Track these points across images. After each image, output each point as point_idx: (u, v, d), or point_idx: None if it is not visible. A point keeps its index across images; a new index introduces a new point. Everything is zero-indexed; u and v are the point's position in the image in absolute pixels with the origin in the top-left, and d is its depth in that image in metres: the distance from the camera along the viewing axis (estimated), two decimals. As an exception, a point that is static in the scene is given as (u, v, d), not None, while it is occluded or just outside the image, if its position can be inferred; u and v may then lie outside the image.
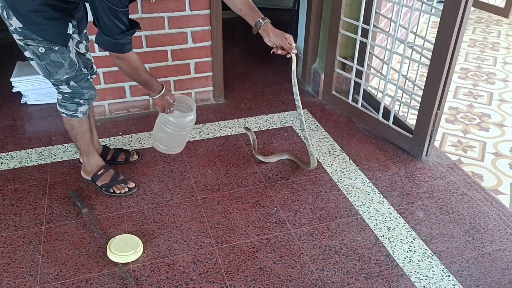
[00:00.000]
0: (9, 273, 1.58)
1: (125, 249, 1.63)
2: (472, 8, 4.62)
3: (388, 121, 2.32)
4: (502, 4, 4.67)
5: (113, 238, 1.68)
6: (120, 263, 1.61)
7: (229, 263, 1.63)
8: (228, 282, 1.56)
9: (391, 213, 1.88)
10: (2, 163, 2.14)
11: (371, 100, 2.61)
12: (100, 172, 1.95)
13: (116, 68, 2.39)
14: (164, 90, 1.75)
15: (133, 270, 1.60)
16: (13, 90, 2.65)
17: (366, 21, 2.30)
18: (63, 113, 1.82)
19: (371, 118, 2.43)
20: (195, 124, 1.93)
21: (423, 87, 2.11)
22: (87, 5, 1.66)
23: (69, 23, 1.61)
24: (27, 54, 1.65)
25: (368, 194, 1.99)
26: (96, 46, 2.28)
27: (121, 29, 1.49)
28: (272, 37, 1.63)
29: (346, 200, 1.95)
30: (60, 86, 1.74)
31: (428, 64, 2.04)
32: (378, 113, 2.39)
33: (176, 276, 1.58)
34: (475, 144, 2.52)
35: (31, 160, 2.16)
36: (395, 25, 2.18)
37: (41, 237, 1.73)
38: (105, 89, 2.46)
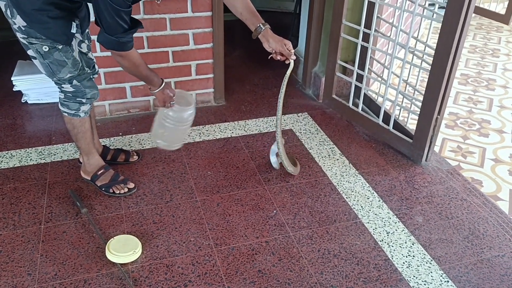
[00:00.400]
0: (7, 272, 1.58)
1: (124, 250, 1.63)
2: (473, 15, 4.63)
3: (388, 125, 2.33)
4: (502, 11, 4.69)
5: (112, 239, 1.68)
6: (119, 263, 1.61)
7: (228, 265, 1.63)
8: (227, 284, 1.56)
9: (390, 218, 1.88)
10: (1, 161, 2.14)
11: (372, 105, 2.62)
12: (100, 172, 1.95)
13: (117, 69, 2.41)
14: (164, 83, 1.79)
15: (131, 270, 1.60)
16: (13, 89, 2.65)
17: (368, 25, 2.31)
18: (65, 112, 1.82)
19: (371, 122, 2.43)
20: (195, 125, 1.93)
21: (423, 92, 2.12)
22: (90, 4, 1.67)
23: (73, 22, 1.61)
24: (30, 52, 1.65)
25: (368, 198, 1.99)
26: (97, 45, 2.28)
27: (124, 28, 1.50)
28: (272, 43, 1.65)
29: (345, 204, 1.95)
30: (62, 85, 1.74)
31: (429, 69, 2.05)
32: (378, 117, 2.39)
33: (175, 278, 1.58)
34: (474, 150, 2.52)
35: (31, 159, 2.16)
36: (396, 30, 2.19)
37: (40, 237, 1.73)
38: (106, 89, 2.46)
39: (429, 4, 2.56)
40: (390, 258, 1.68)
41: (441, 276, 1.62)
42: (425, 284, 1.58)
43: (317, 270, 1.62)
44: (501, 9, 4.79)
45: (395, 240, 1.77)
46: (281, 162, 2.01)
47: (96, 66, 1.93)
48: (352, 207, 1.93)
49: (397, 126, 2.33)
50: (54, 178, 2.04)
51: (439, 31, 1.94)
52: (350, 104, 2.55)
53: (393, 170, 2.18)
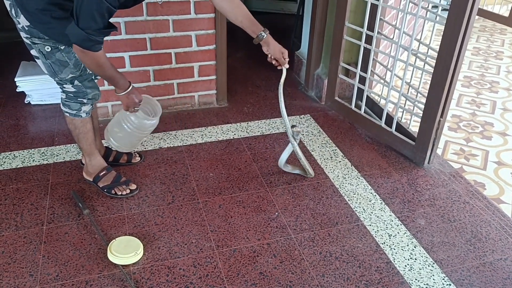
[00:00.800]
0: (9, 272, 1.58)
1: (125, 251, 1.63)
2: (477, 17, 4.62)
3: (391, 128, 2.32)
4: (506, 13, 4.68)
5: (114, 240, 1.68)
6: (120, 265, 1.61)
7: (229, 267, 1.63)
8: (228, 286, 1.56)
9: (392, 220, 1.88)
10: (4, 162, 2.15)
11: (374, 107, 2.61)
12: (102, 173, 1.95)
13: (120, 70, 2.40)
14: (131, 87, 1.73)
15: (133, 272, 1.60)
16: (17, 90, 2.66)
17: (370, 27, 2.31)
18: (67, 112, 1.82)
19: (373, 125, 2.43)
20: (198, 127, 1.93)
21: (426, 95, 2.11)
22: None
23: (75, 23, 1.61)
24: (33, 52, 1.65)
25: (370, 201, 1.98)
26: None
27: (99, 26, 1.44)
28: (271, 48, 1.76)
29: (347, 206, 1.94)
30: (64, 85, 1.74)
31: (432, 71, 2.04)
32: (381, 119, 2.39)
33: (176, 279, 1.58)
34: (477, 152, 2.51)
35: (33, 160, 2.17)
36: (399, 32, 2.18)
37: (42, 237, 1.73)
38: (108, 91, 2.45)
39: (432, 7, 2.55)
40: (392, 261, 1.68)
41: (443, 279, 1.61)
42: (427, 287, 1.58)
43: (318, 273, 1.62)
44: (504, 11, 4.78)
45: (397, 243, 1.76)
46: (303, 165, 2.04)
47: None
48: (354, 209, 1.93)
49: (400, 128, 2.33)
50: (56, 179, 2.05)
51: (442, 33, 1.94)
52: (353, 106, 2.55)
53: (395, 172, 2.18)
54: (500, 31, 4.47)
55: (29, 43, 1.62)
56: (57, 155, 2.21)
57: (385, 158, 2.29)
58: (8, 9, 1.57)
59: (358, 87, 2.48)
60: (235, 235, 1.77)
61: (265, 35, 1.73)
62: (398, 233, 1.81)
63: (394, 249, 1.73)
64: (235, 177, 2.11)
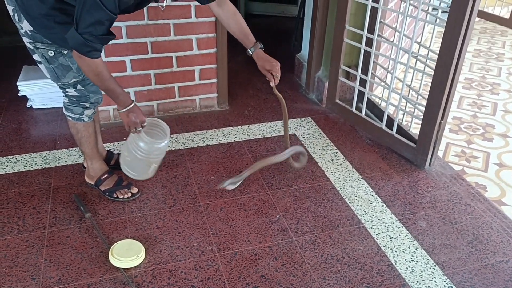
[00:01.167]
0: (11, 276, 1.59)
1: (127, 255, 1.63)
2: (477, 19, 4.63)
3: (392, 130, 2.33)
4: (507, 15, 4.68)
5: (116, 243, 1.69)
6: (122, 268, 1.61)
7: (230, 270, 1.63)
8: (230, 289, 1.56)
9: (393, 223, 1.88)
10: (7, 166, 2.15)
11: (375, 109, 2.62)
12: (103, 177, 1.96)
13: (121, 74, 2.42)
14: (131, 105, 1.66)
15: (135, 275, 1.60)
16: (19, 94, 2.67)
17: (371, 30, 2.32)
18: (69, 116, 1.83)
19: (374, 127, 2.43)
20: (199, 130, 1.93)
21: (427, 97, 2.12)
22: None
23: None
24: (35, 57, 1.67)
25: (371, 203, 1.98)
26: (102, 51, 2.30)
27: (98, 32, 1.43)
28: (258, 64, 1.76)
29: (348, 209, 1.95)
30: (67, 90, 1.75)
31: (432, 74, 2.05)
32: (381, 122, 2.39)
33: (178, 283, 1.58)
34: (478, 154, 2.51)
35: (35, 164, 2.18)
36: (399, 35, 2.19)
37: (44, 241, 1.74)
38: (110, 94, 2.47)
39: (432, 9, 2.56)
40: (394, 263, 1.68)
41: (445, 281, 1.61)
42: (428, 290, 1.58)
43: (320, 275, 1.62)
44: (505, 13, 4.78)
45: (399, 245, 1.76)
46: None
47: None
48: (355, 212, 1.93)
49: (401, 130, 2.33)
50: (58, 182, 2.05)
51: (442, 35, 1.94)
52: (354, 109, 2.55)
53: (396, 175, 2.18)
54: (501, 33, 4.47)
55: (32, 48, 1.63)
56: (59, 159, 2.22)
57: (386, 160, 2.29)
58: (11, 14, 1.58)
59: (358, 90, 2.49)
60: (236, 238, 1.78)
61: (252, 52, 1.73)
62: (399, 235, 1.81)
63: (396, 251, 1.73)
64: (236, 180, 2.11)
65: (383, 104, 2.55)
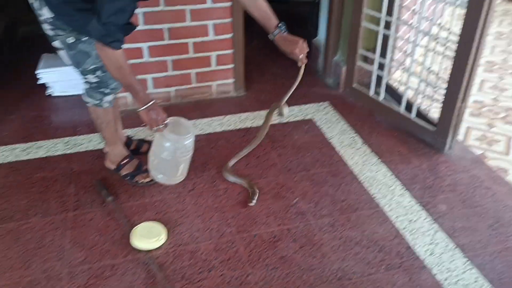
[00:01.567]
0: (38, 257, 1.64)
1: (148, 237, 1.67)
2: (499, 0, 4.50)
3: (411, 114, 2.30)
4: (529, -4, 4.54)
5: (137, 226, 1.72)
6: (144, 249, 1.65)
7: (250, 251, 1.65)
8: (250, 270, 1.58)
9: (412, 206, 1.87)
10: (30, 152, 2.21)
11: (393, 93, 2.58)
12: (124, 162, 1.99)
13: (138, 60, 2.44)
14: (151, 103, 1.64)
15: (156, 256, 1.64)
16: (38, 82, 2.70)
17: (389, 13, 2.28)
18: (89, 102, 1.86)
19: (393, 111, 2.41)
20: (216, 116, 1.93)
21: (447, 80, 2.08)
22: None
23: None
24: (56, 44, 1.69)
25: (390, 187, 1.97)
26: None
27: (119, 22, 1.46)
28: (284, 47, 1.72)
29: (366, 193, 1.94)
30: (87, 76, 1.78)
31: (453, 57, 2.01)
32: (400, 106, 2.36)
33: (199, 263, 1.61)
34: (500, 138, 2.47)
35: (57, 150, 2.22)
36: (418, 17, 2.15)
37: (68, 224, 1.78)
38: (129, 81, 2.49)
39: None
40: (412, 246, 1.67)
41: (465, 264, 1.60)
42: (448, 272, 1.57)
43: (339, 257, 1.63)
44: (528, -6, 4.64)
45: (418, 228, 1.75)
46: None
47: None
48: (373, 195, 1.92)
49: (420, 114, 2.30)
50: (80, 167, 2.10)
51: (463, 17, 1.90)
52: (371, 93, 2.53)
53: (415, 158, 2.16)
54: (523, 15, 4.35)
55: (52, 35, 1.65)
56: (80, 145, 2.26)
57: (405, 144, 2.27)
58: (30, 1, 1.61)
59: (377, 74, 2.46)
60: (255, 220, 1.79)
61: (273, 37, 1.71)
62: (418, 218, 1.80)
63: (415, 234, 1.73)
64: (253, 164, 2.12)
65: (402, 88, 2.52)
